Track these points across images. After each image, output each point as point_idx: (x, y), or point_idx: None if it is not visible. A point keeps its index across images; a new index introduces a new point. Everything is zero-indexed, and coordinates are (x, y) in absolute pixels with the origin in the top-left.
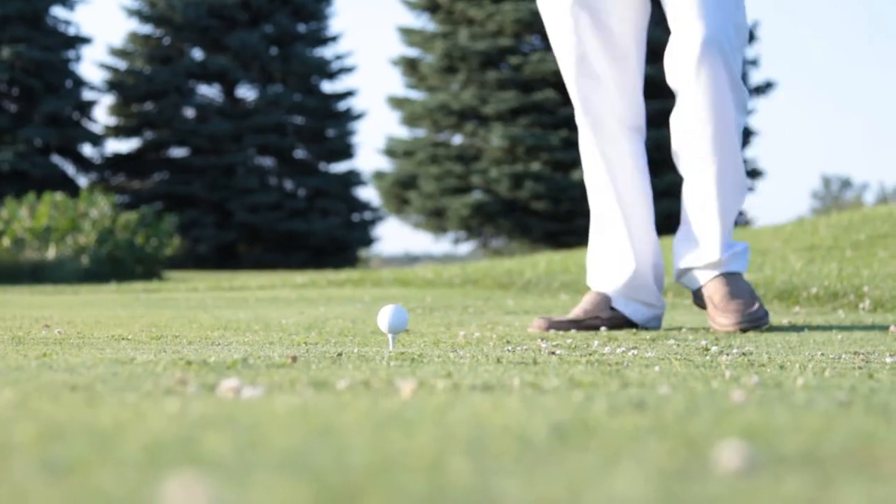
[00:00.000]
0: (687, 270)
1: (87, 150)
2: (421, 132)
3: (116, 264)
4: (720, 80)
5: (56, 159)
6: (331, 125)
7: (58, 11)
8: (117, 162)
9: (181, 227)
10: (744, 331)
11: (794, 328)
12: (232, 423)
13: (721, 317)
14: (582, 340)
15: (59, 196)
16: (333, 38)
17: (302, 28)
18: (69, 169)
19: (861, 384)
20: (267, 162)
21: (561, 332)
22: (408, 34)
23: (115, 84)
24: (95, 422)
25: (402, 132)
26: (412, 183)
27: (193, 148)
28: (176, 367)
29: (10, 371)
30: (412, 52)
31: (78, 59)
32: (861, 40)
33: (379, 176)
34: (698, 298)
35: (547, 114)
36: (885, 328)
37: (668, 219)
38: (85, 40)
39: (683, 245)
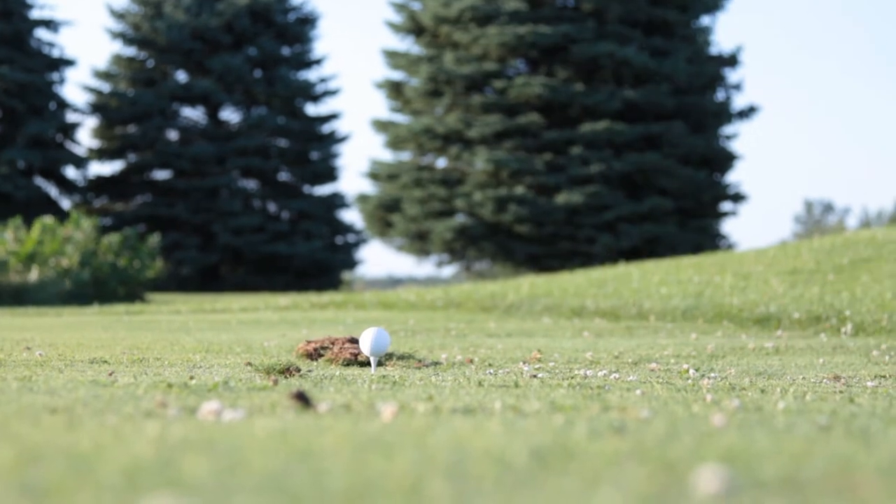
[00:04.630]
0: None
1: (71, 172)
2: (405, 155)
3: (99, 286)
4: None
5: (39, 181)
6: (315, 148)
7: (42, 33)
8: (100, 184)
9: (164, 250)
10: None
11: (775, 352)
12: (212, 446)
13: None
14: (564, 364)
15: (47, 219)
16: (318, 61)
17: (286, 51)
18: (52, 191)
19: (842, 408)
20: (250, 184)
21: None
22: (393, 57)
23: (99, 106)
24: (75, 445)
25: (387, 155)
26: (396, 206)
27: (177, 170)
28: (157, 389)
29: None
30: (397, 75)
31: (62, 81)
32: (845, 65)
33: (363, 199)
34: None
35: (531, 137)
36: (866, 352)
37: (650, 242)
38: (69, 62)
39: None
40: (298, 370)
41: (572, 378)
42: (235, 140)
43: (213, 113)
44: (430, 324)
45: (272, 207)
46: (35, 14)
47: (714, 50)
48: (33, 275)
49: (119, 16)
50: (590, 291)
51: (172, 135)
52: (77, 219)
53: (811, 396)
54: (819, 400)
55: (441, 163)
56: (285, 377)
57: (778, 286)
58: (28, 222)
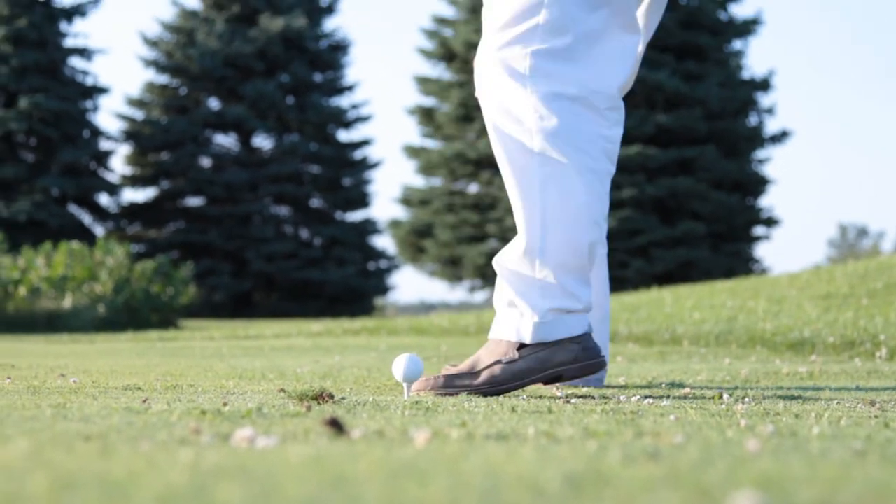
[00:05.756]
0: None
1: (104, 199)
2: (437, 181)
3: (133, 313)
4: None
5: (73, 209)
6: (347, 174)
7: (75, 62)
8: (134, 211)
9: (197, 276)
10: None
11: (809, 377)
12: (245, 472)
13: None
14: (597, 389)
15: (75, 244)
16: (350, 88)
17: (318, 77)
18: (86, 218)
19: (877, 433)
20: (283, 211)
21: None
22: (424, 83)
23: (132, 134)
24: (109, 472)
25: (418, 181)
26: (428, 231)
27: (209, 197)
28: (190, 416)
29: (24, 420)
30: (428, 102)
31: (95, 109)
32: (878, 88)
33: (395, 224)
34: None
35: None
36: None
37: (683, 267)
38: (102, 90)
39: None
40: (332, 396)
41: (605, 403)
42: (268, 166)
43: (245, 139)
44: (464, 349)
45: (304, 234)
46: (69, 43)
47: (746, 74)
48: (67, 301)
49: (152, 44)
50: (622, 316)
51: (205, 161)
52: (104, 245)
53: (846, 421)
54: (854, 425)
55: (473, 188)
56: (318, 403)
57: (812, 311)
58: None
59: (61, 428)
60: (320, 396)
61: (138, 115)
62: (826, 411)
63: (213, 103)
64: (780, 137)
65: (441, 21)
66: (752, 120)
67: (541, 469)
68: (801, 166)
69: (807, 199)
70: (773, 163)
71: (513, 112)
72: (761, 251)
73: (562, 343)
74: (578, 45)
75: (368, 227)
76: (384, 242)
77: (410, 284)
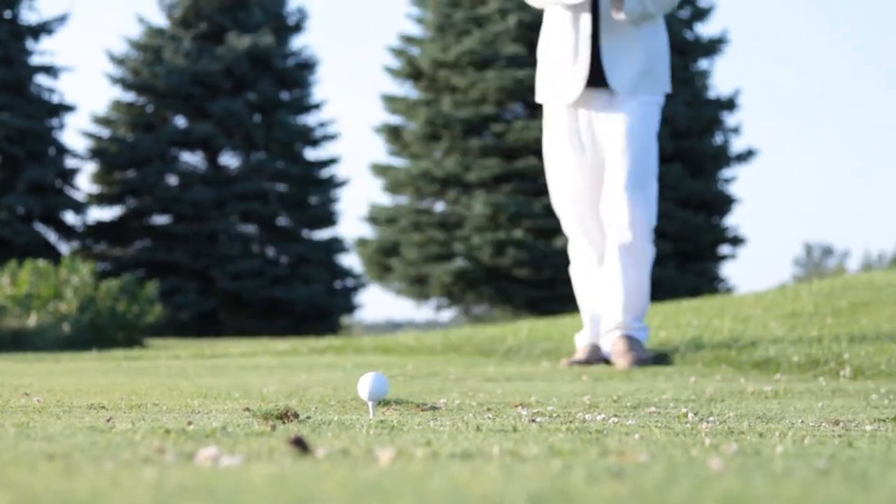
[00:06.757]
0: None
1: (70, 217)
2: (404, 199)
3: (98, 332)
4: None
5: (38, 227)
6: (313, 192)
7: (41, 79)
8: (100, 229)
9: (163, 295)
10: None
11: (774, 396)
12: (209, 492)
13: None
14: (563, 408)
15: (40, 263)
16: (317, 106)
17: (285, 96)
18: (51, 236)
19: (840, 452)
20: (249, 229)
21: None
22: (391, 102)
23: (98, 152)
24: (72, 491)
25: (385, 199)
26: (394, 250)
27: (176, 215)
28: (154, 435)
29: None
30: (395, 120)
31: (61, 126)
32: (844, 107)
33: (361, 243)
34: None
35: (529, 181)
36: (865, 396)
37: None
38: (68, 108)
39: None
40: (297, 415)
41: (571, 422)
42: (234, 185)
43: (212, 158)
44: (429, 368)
45: (271, 252)
46: (35, 60)
47: (712, 93)
48: (31, 320)
49: (118, 61)
50: None
51: (172, 180)
52: (70, 263)
53: (810, 440)
54: (818, 444)
55: (439, 206)
56: (283, 422)
57: (777, 329)
58: None
59: (24, 447)
60: (285, 415)
61: (104, 132)
62: (790, 430)
63: (180, 121)
64: (745, 156)
65: (408, 40)
66: (718, 139)
67: (505, 488)
68: (767, 185)
69: (772, 218)
70: (739, 182)
71: None
72: (727, 270)
73: None
74: None
75: (335, 245)
76: (351, 261)
77: (377, 303)
